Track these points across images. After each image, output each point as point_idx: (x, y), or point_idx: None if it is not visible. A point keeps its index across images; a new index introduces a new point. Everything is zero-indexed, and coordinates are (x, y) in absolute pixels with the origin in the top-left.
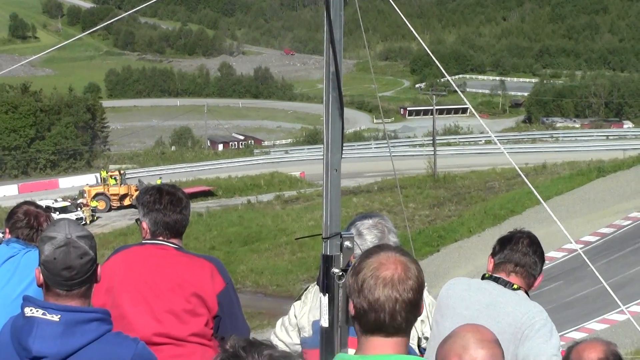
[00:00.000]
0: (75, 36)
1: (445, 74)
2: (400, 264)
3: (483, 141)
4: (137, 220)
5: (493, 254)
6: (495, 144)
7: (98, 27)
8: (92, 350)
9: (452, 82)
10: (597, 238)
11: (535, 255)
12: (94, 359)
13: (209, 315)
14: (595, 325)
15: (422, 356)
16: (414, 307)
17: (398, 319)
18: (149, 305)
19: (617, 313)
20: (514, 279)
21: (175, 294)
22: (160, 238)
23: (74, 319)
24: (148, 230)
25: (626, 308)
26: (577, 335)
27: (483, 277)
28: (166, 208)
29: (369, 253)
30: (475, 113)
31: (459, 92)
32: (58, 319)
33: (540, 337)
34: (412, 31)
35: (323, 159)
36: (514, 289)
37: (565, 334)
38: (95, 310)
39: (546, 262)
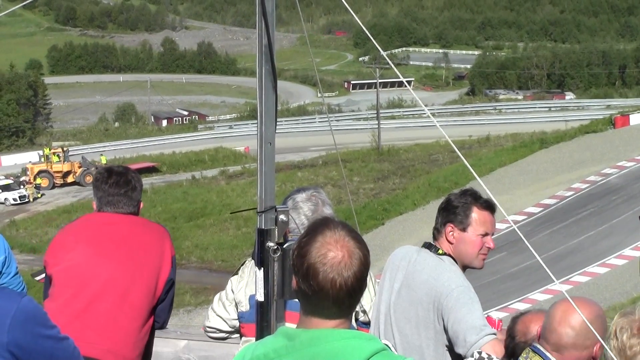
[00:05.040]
0: (15, 12)
1: (380, 49)
2: (346, 248)
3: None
4: None
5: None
6: (430, 117)
7: None
8: None
9: (387, 59)
10: (541, 209)
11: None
12: None
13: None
14: (538, 296)
15: (362, 329)
16: (358, 293)
17: (341, 306)
18: (106, 258)
19: (560, 283)
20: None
21: (137, 252)
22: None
23: None
24: (95, 210)
25: (569, 278)
26: (521, 306)
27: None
28: (112, 187)
29: (314, 232)
30: (410, 89)
31: (394, 68)
32: None
33: (462, 306)
34: (347, 9)
35: (257, 132)
36: (439, 254)
37: (509, 304)
38: None
39: None
